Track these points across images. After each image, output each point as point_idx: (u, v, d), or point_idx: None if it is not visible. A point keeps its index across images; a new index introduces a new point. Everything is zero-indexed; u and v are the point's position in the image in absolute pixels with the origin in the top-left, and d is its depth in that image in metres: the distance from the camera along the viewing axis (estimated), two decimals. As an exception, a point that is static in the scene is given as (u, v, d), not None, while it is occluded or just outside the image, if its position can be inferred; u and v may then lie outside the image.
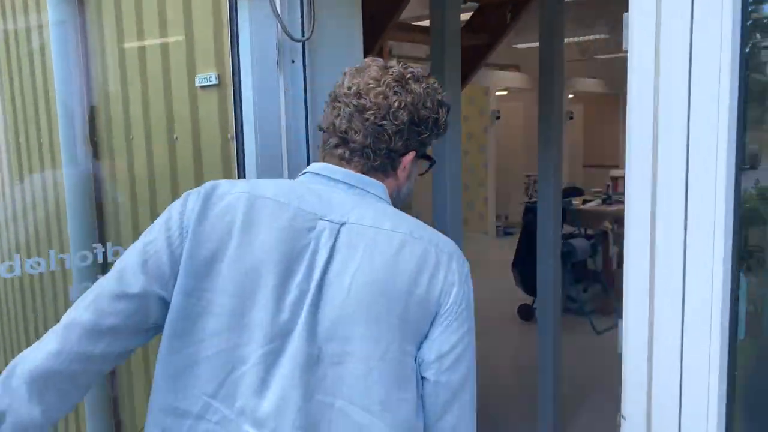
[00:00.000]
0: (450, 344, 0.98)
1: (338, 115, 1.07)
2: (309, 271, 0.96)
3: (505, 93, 11.23)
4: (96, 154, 2.31)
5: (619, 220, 6.23)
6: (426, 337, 0.98)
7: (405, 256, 0.98)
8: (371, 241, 0.98)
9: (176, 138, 2.00)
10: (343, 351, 0.94)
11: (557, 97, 3.43)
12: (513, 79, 10.31)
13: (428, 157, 1.18)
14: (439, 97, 1.11)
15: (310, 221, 0.98)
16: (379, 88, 1.05)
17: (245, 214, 0.98)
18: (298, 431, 0.92)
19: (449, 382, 0.98)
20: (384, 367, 0.94)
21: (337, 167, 1.08)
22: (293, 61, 1.67)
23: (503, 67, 10.37)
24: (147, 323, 0.99)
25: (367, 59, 1.12)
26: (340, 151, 1.08)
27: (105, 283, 0.98)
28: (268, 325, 0.94)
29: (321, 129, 1.13)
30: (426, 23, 3.09)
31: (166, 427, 0.96)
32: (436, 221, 2.88)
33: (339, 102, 1.08)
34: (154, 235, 1.00)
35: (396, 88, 1.05)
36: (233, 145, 1.70)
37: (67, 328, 0.94)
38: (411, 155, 1.11)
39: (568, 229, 5.68)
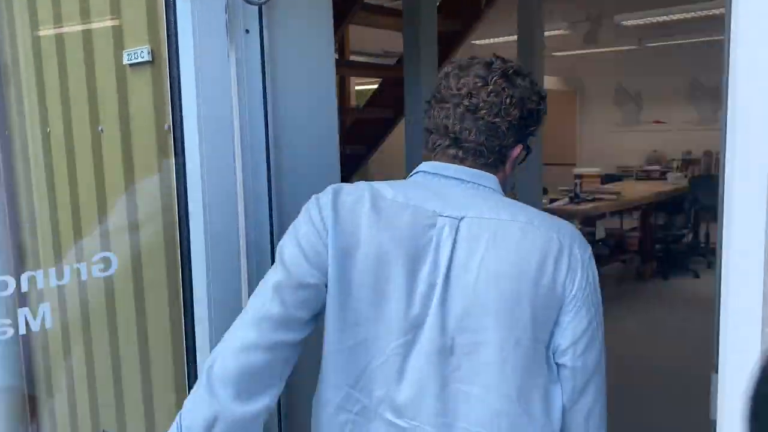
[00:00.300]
0: (581, 329, 1.00)
1: (448, 116, 1.08)
2: (434, 266, 0.99)
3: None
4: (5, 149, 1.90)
5: (588, 219, 6.05)
6: (557, 323, 1.01)
7: (527, 246, 0.99)
8: (492, 233, 1.00)
9: (101, 129, 1.63)
10: (476, 341, 0.97)
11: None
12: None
13: (527, 147, 1.18)
14: (539, 89, 1.13)
15: (430, 218, 1.01)
16: (490, 87, 1.06)
17: (369, 216, 1.03)
18: (438, 417, 0.97)
19: (584, 365, 1.02)
20: (518, 355, 0.97)
21: (450, 164, 1.10)
22: (247, 31, 1.32)
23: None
24: (317, 309, 1.05)
25: (462, 58, 1.14)
26: (452, 151, 1.09)
27: (278, 277, 1.03)
28: (402, 318, 0.98)
29: (429, 131, 1.13)
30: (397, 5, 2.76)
31: (324, 415, 1.04)
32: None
33: (448, 103, 1.08)
34: (303, 230, 1.05)
35: (504, 85, 1.07)
36: (171, 137, 1.34)
37: (260, 321, 1.00)
38: (519, 148, 1.13)
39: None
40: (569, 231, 1.05)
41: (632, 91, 10.62)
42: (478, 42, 8.52)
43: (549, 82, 10.71)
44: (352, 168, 3.84)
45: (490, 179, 1.09)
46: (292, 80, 1.38)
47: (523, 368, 0.99)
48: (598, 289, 1.05)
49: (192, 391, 1.02)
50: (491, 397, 0.98)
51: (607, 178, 8.35)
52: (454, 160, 1.09)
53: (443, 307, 0.99)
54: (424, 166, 1.12)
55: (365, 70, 3.42)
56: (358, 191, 1.06)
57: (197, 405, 0.99)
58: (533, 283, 0.98)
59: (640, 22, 7.85)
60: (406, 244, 1.01)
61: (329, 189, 1.08)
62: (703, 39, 8.88)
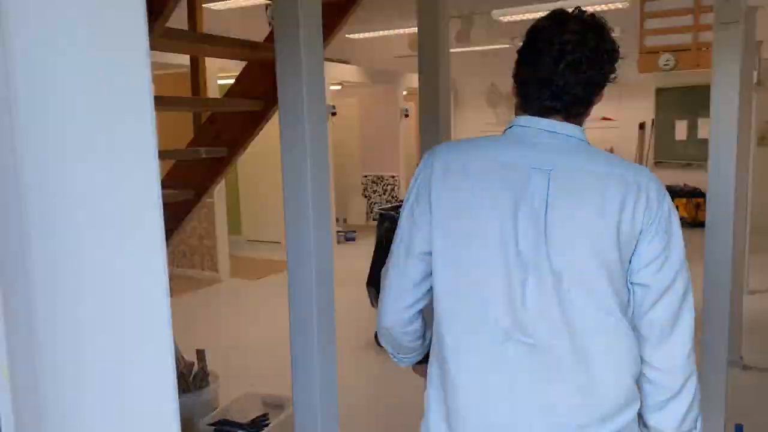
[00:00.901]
0: (654, 254, 1.20)
1: (550, 69, 1.21)
2: (533, 214, 1.17)
3: (338, 88, 10.43)
4: None
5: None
6: (635, 251, 1.20)
7: (610, 192, 1.18)
8: (579, 182, 1.19)
9: None
10: (579, 273, 1.17)
11: (443, 92, 2.57)
12: (350, 72, 9.53)
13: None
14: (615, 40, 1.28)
15: (523, 171, 1.18)
16: (590, 42, 1.21)
17: (468, 174, 1.21)
18: (558, 333, 1.18)
19: (655, 284, 1.20)
20: (612, 280, 1.18)
21: (542, 118, 1.24)
22: None
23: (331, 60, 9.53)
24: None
25: (553, 10, 1.25)
26: (550, 103, 1.24)
27: (402, 246, 1.31)
28: (514, 259, 1.17)
29: (524, 83, 1.27)
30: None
31: (448, 354, 1.27)
32: (287, 227, 1.91)
33: (546, 56, 1.20)
34: (409, 199, 1.31)
35: (599, 40, 1.22)
36: None
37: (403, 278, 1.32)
38: (601, 96, 1.32)
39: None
40: (645, 174, 1.23)
41: (505, 91, 10.59)
42: (353, 36, 7.94)
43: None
44: (208, 176, 3.06)
45: (578, 130, 1.26)
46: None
47: (618, 289, 1.19)
48: (674, 222, 1.22)
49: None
50: (599, 315, 1.18)
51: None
52: (550, 111, 1.24)
53: (547, 247, 1.17)
54: (518, 120, 1.27)
55: (221, 47, 2.64)
56: (452, 155, 1.25)
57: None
58: (617, 222, 1.17)
59: (516, 18, 7.68)
60: (505, 196, 1.18)
61: (433, 152, 1.28)
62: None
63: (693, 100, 8.73)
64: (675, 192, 9.14)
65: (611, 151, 9.07)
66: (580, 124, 1.29)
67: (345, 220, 10.85)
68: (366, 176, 10.51)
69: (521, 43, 1.28)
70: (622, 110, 9.80)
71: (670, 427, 1.23)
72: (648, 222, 1.19)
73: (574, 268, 1.18)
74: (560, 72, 1.19)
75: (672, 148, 9.31)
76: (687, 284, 1.23)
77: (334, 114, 10.07)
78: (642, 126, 9.69)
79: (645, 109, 9.56)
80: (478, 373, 1.24)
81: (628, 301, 1.23)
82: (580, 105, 1.26)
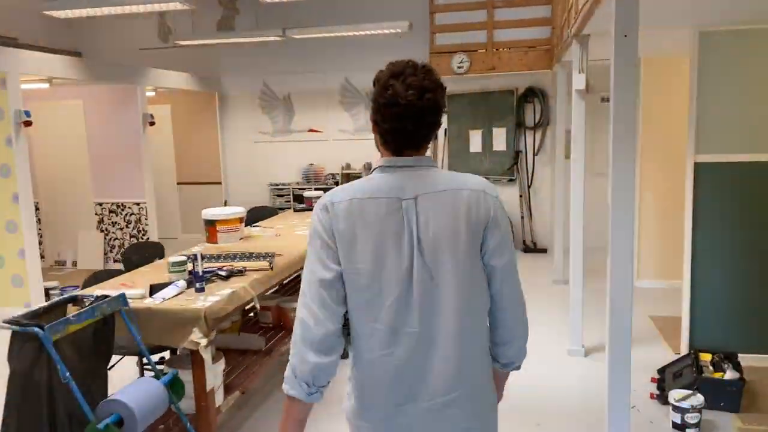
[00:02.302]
0: (496, 241, 1.54)
1: (401, 118, 1.49)
2: (409, 232, 1.49)
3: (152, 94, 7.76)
4: None
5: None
6: (483, 242, 1.53)
7: (460, 203, 1.51)
8: (436, 201, 1.50)
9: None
10: (445, 269, 1.49)
11: None
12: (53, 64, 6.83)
13: None
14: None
15: (397, 202, 1.50)
16: (427, 94, 1.48)
17: (358, 212, 1.49)
18: (426, 320, 1.51)
19: (502, 263, 1.55)
20: (468, 271, 1.51)
21: (399, 158, 1.55)
22: None
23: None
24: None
25: (392, 64, 1.55)
26: (403, 145, 1.54)
27: (317, 275, 1.52)
28: (397, 272, 1.49)
29: (383, 131, 1.54)
30: None
31: (364, 345, 1.54)
32: None
33: (397, 107, 1.48)
34: (317, 242, 1.52)
35: (435, 90, 1.51)
36: None
37: (326, 308, 1.50)
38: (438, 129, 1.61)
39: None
40: (481, 184, 1.56)
41: (281, 93, 8.85)
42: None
43: (180, 81, 8.19)
44: None
45: (428, 159, 1.58)
46: None
47: (476, 272, 1.53)
48: (505, 217, 1.58)
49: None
50: (460, 295, 1.51)
51: (254, 217, 5.83)
52: (403, 150, 1.54)
53: (422, 257, 1.49)
54: (382, 161, 1.56)
55: None
56: (344, 198, 1.51)
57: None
58: (467, 224, 1.50)
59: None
60: (388, 224, 1.49)
61: (326, 201, 1.53)
62: (357, 33, 7.44)
63: (487, 109, 7.95)
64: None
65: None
66: (426, 150, 1.62)
67: (75, 263, 8.09)
68: (100, 204, 7.91)
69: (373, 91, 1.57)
70: None
71: (518, 356, 1.68)
72: (486, 218, 1.54)
73: (441, 268, 1.53)
74: (409, 119, 1.50)
75: (468, 161, 8.47)
76: (516, 268, 1.62)
77: (152, 124, 7.43)
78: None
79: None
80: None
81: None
82: (429, 141, 1.59)
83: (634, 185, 3.26)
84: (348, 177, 8.73)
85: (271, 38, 7.69)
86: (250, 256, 3.65)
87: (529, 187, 7.93)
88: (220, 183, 9.37)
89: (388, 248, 1.47)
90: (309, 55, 8.79)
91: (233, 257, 3.65)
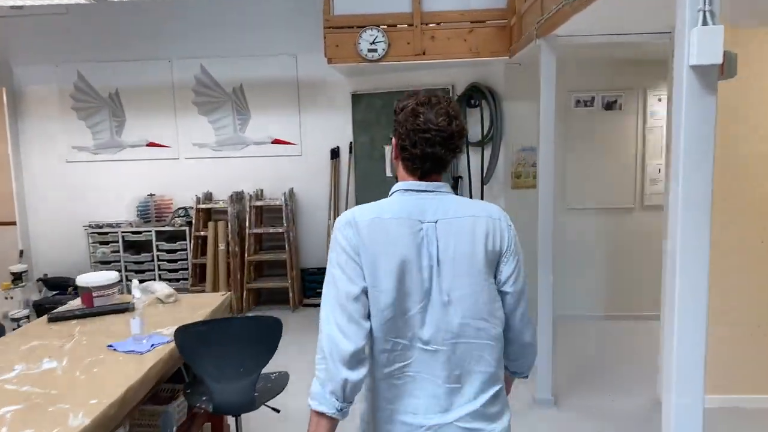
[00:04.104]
0: (511, 269, 1.61)
1: (431, 144, 1.55)
2: (428, 255, 1.53)
3: None
4: None
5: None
6: (498, 269, 1.60)
7: (478, 230, 1.56)
8: (456, 227, 1.55)
9: None
10: (461, 293, 1.54)
11: None
12: None
13: None
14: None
15: (418, 225, 1.54)
16: (455, 121, 1.56)
17: (381, 231, 1.53)
18: (449, 341, 1.54)
19: (516, 289, 1.62)
20: (484, 295, 1.56)
21: (421, 182, 1.60)
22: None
23: None
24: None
25: (418, 94, 1.61)
26: (431, 169, 1.59)
27: (343, 289, 1.53)
28: (419, 291, 1.53)
29: (411, 155, 1.57)
30: None
31: (377, 361, 1.56)
32: None
33: (427, 133, 1.54)
34: (342, 257, 1.53)
35: (458, 117, 1.58)
36: None
37: (354, 323, 1.51)
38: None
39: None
40: (498, 213, 1.62)
41: (105, 90, 5.91)
42: None
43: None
44: None
45: (446, 186, 1.63)
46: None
47: (489, 301, 1.58)
48: (519, 245, 1.64)
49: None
50: (475, 322, 1.56)
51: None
52: (429, 175, 1.61)
53: (439, 278, 1.53)
54: (401, 185, 1.61)
55: None
56: (366, 217, 1.55)
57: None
58: (484, 252, 1.56)
59: None
60: (409, 245, 1.52)
61: (350, 219, 1.56)
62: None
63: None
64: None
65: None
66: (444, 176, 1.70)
67: None
68: None
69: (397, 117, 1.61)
70: (314, 130, 6.07)
71: (526, 371, 1.81)
72: (503, 246, 1.61)
73: (459, 291, 1.58)
74: (438, 145, 1.56)
75: (383, 189, 6.00)
76: (527, 293, 1.71)
77: None
78: (336, 153, 6.21)
79: (339, 129, 6.05)
80: None
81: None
82: (449, 166, 1.65)
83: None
84: (208, 213, 5.92)
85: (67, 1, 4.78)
86: None
87: (471, 227, 5.43)
88: (14, 223, 6.24)
89: (409, 269, 1.52)
90: (145, 34, 5.93)
91: None
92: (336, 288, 1.52)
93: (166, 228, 5.86)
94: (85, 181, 6.19)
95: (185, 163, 6.13)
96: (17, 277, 5.97)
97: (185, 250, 5.85)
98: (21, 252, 6.19)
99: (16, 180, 6.17)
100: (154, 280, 5.89)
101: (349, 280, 1.51)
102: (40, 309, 5.55)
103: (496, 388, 1.61)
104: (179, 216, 5.98)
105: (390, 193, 1.62)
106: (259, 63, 5.94)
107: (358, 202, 5.97)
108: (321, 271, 6.05)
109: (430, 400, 1.55)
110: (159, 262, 5.87)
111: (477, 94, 5.13)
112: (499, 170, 5.17)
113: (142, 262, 5.88)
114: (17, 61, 6.09)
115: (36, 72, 6.10)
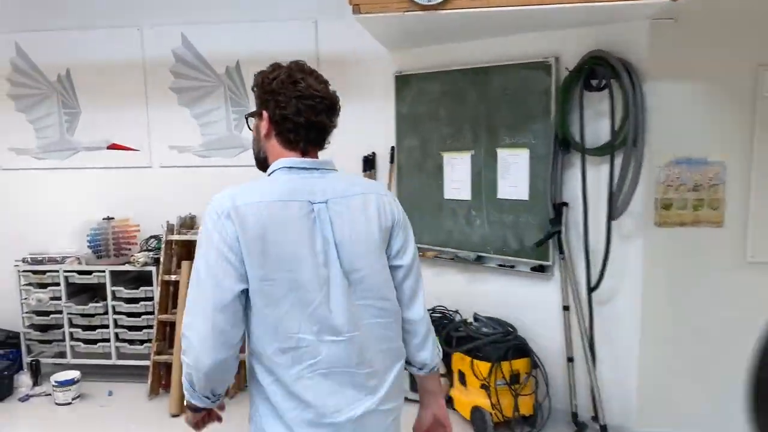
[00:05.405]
0: (401, 242, 1.59)
1: (309, 110, 1.48)
2: (323, 238, 1.45)
3: None
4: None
5: None
6: (389, 243, 1.58)
7: (370, 208, 1.53)
8: (348, 206, 1.50)
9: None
10: (360, 275, 1.49)
11: None
12: None
13: None
14: None
15: (308, 206, 1.45)
16: (332, 89, 1.55)
17: (268, 216, 1.41)
18: (354, 325, 1.48)
19: (406, 263, 1.60)
20: (381, 273, 1.54)
21: (305, 159, 1.52)
22: None
23: None
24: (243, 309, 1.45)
25: (294, 62, 1.53)
26: (313, 141, 1.53)
27: (209, 295, 1.39)
28: (316, 278, 1.43)
29: (289, 124, 1.50)
30: None
31: (276, 363, 1.44)
32: None
33: (307, 100, 1.47)
34: (212, 255, 1.39)
35: (330, 85, 1.55)
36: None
37: (221, 333, 1.39)
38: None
39: None
40: (383, 188, 1.62)
41: (52, 71, 4.17)
42: None
43: None
44: None
45: (331, 162, 1.56)
46: None
47: (386, 279, 1.56)
48: (407, 218, 1.64)
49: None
50: (376, 302, 1.53)
51: None
52: (309, 150, 1.54)
53: (337, 261, 1.46)
54: (285, 161, 1.51)
55: None
56: (250, 201, 1.41)
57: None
58: (377, 228, 1.53)
59: None
60: (299, 228, 1.43)
61: (227, 206, 1.40)
62: None
63: (487, 107, 3.55)
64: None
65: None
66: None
67: None
68: None
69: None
70: (339, 129, 4.27)
71: (431, 357, 1.68)
72: (394, 221, 1.59)
73: (358, 272, 1.53)
74: (314, 113, 1.51)
75: (439, 218, 4.04)
76: (419, 267, 1.67)
77: None
78: (370, 163, 4.30)
79: (376, 127, 4.15)
80: None
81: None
82: (326, 142, 1.60)
83: None
84: (187, 247, 4.10)
85: None
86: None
87: (590, 291, 3.28)
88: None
89: (304, 254, 1.43)
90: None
91: None
92: (201, 292, 1.40)
93: (126, 267, 4.08)
94: (24, 198, 4.48)
95: (160, 173, 4.35)
96: None
97: (152, 299, 4.06)
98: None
99: (-66, 194, 4.50)
100: (107, 341, 4.11)
101: (217, 285, 1.39)
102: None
103: (400, 362, 1.61)
104: (149, 248, 4.20)
105: (269, 172, 1.54)
106: (263, 31, 4.12)
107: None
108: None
109: (351, 391, 1.48)
110: (115, 315, 4.09)
111: (603, 68, 3.11)
112: (640, 196, 3.14)
113: (91, 315, 4.11)
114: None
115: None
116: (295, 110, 1.46)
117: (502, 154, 3.55)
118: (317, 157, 1.55)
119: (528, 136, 3.45)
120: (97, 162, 4.39)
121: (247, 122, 1.63)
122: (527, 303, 3.57)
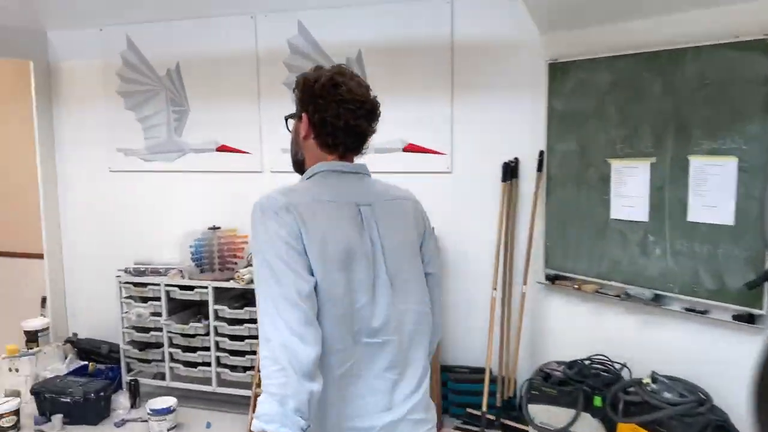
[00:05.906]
0: (431, 248, 1.61)
1: (349, 115, 1.45)
2: (370, 240, 1.44)
3: None
4: None
5: None
6: (421, 251, 1.58)
7: (407, 212, 1.55)
8: (389, 209, 1.51)
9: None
10: (404, 278, 1.49)
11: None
12: None
13: None
14: None
15: (355, 208, 1.45)
16: (373, 94, 1.51)
17: (323, 215, 1.38)
18: (398, 330, 1.45)
19: (436, 270, 1.62)
20: (421, 278, 1.55)
21: (345, 163, 1.50)
22: None
23: None
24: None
25: (336, 66, 1.51)
26: (353, 145, 1.50)
27: (290, 286, 1.30)
28: (366, 279, 1.41)
29: (328, 128, 1.46)
30: None
31: (335, 361, 1.38)
32: None
33: (348, 104, 1.44)
34: (283, 248, 1.31)
35: (371, 91, 1.52)
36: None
37: (310, 325, 1.30)
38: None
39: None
40: (412, 195, 1.62)
41: (162, 66, 3.82)
42: None
43: None
44: None
45: (366, 166, 1.54)
46: None
47: (424, 284, 1.56)
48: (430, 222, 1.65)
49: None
50: (416, 307, 1.51)
51: None
52: (347, 154, 1.51)
53: (384, 264, 1.45)
54: (325, 165, 1.48)
55: None
56: (303, 200, 1.38)
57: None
58: (415, 233, 1.55)
59: None
60: (349, 229, 1.40)
61: (282, 204, 1.35)
62: None
63: (674, 101, 2.69)
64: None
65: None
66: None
67: None
68: None
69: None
70: (474, 129, 3.55)
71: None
72: (424, 226, 1.60)
73: (402, 275, 1.52)
74: (360, 118, 1.47)
75: (605, 247, 3.22)
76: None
77: None
78: (512, 171, 3.60)
79: (521, 127, 3.44)
80: None
81: None
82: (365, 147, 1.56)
83: None
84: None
85: None
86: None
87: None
88: (41, 256, 4.42)
89: (357, 255, 1.41)
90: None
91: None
92: (281, 286, 1.30)
93: (231, 284, 3.64)
94: (132, 201, 4.19)
95: (271, 179, 3.89)
96: (32, 338, 4.11)
97: (257, 321, 3.59)
98: (44, 300, 4.34)
99: (46, 194, 4.33)
100: (208, 365, 3.69)
101: (296, 274, 1.31)
102: (44, 399, 3.60)
103: (428, 374, 1.58)
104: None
105: (308, 176, 1.51)
106: (393, 15, 3.52)
107: (549, 255, 3.30)
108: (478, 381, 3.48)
109: (377, 398, 1.44)
110: (217, 337, 3.67)
111: None
112: None
113: (191, 336, 3.71)
114: (53, 23, 4.25)
115: (75, 39, 4.22)
116: (335, 114, 1.46)
117: (697, 163, 2.68)
118: (353, 162, 1.54)
119: (736, 141, 2.57)
120: (204, 165, 4.01)
121: (286, 124, 1.59)
122: (726, 363, 2.67)
